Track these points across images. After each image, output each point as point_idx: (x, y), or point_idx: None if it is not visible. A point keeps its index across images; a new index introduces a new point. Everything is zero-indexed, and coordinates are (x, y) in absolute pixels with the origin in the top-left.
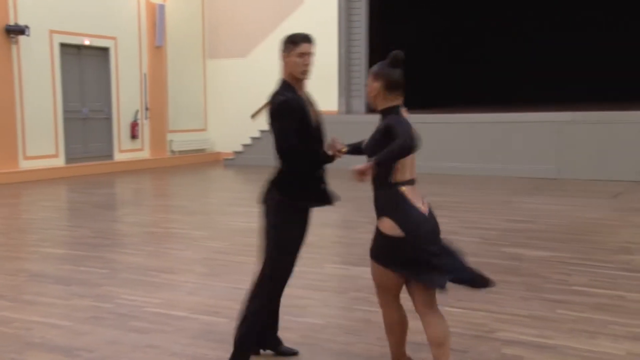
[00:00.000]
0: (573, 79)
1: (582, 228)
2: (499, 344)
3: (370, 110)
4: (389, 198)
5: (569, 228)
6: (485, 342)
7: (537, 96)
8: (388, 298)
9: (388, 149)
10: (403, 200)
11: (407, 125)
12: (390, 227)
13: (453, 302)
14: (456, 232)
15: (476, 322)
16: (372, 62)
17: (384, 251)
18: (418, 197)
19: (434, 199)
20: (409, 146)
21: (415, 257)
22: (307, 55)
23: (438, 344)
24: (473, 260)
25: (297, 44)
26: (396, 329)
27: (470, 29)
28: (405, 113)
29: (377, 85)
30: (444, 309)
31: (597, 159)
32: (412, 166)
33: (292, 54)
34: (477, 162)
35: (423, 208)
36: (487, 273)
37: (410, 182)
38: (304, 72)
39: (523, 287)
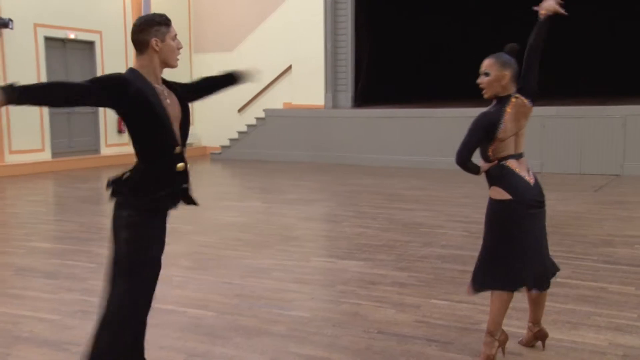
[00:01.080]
0: (557, 75)
1: (565, 221)
2: (482, 336)
3: (357, 104)
4: (495, 171)
5: (552, 221)
6: (470, 333)
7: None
8: None
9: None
10: (508, 171)
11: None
12: (498, 192)
13: (439, 294)
14: (442, 225)
15: (461, 315)
16: (358, 57)
17: (495, 217)
18: (524, 168)
19: (419, 193)
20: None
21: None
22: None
23: None
24: (459, 253)
25: (169, 26)
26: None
27: (456, 26)
28: (515, 101)
29: (507, 73)
30: (429, 302)
31: (580, 154)
32: (517, 143)
33: (169, 36)
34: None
35: (528, 178)
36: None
37: (515, 156)
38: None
39: None
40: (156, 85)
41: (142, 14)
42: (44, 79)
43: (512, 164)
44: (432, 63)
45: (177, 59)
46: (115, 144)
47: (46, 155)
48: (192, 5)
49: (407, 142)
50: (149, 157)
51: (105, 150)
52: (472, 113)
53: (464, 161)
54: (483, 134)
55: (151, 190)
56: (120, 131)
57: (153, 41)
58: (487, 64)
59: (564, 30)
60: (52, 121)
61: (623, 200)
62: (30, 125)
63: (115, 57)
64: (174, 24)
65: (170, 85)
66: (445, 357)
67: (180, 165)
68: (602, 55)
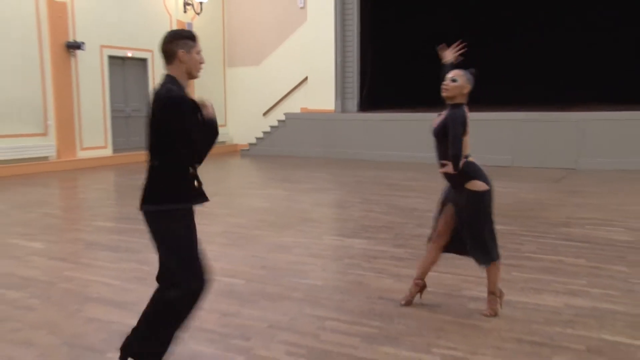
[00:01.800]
0: (526, 83)
1: (531, 206)
2: (465, 300)
3: (362, 109)
4: (470, 167)
5: (521, 206)
6: (454, 299)
7: (497, 98)
8: (441, 243)
9: (454, 147)
10: (477, 166)
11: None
12: (479, 185)
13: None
14: (430, 210)
15: (447, 283)
16: (362, 69)
17: (481, 205)
18: None
19: (414, 183)
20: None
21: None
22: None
23: None
24: None
25: (195, 41)
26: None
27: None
28: (467, 108)
29: (468, 86)
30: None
31: (543, 151)
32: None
33: (194, 50)
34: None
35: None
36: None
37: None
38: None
39: None
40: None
41: None
42: (107, 89)
43: (474, 160)
44: (426, 73)
45: (200, 72)
46: None
47: (108, 152)
48: (225, 27)
49: (404, 140)
50: (189, 162)
51: None
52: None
53: (461, 152)
54: (462, 129)
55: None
56: None
57: (180, 52)
58: (456, 73)
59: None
60: (113, 123)
61: (577, 190)
62: (96, 127)
63: (164, 71)
64: (211, 43)
65: None
66: (434, 317)
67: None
68: (562, 70)
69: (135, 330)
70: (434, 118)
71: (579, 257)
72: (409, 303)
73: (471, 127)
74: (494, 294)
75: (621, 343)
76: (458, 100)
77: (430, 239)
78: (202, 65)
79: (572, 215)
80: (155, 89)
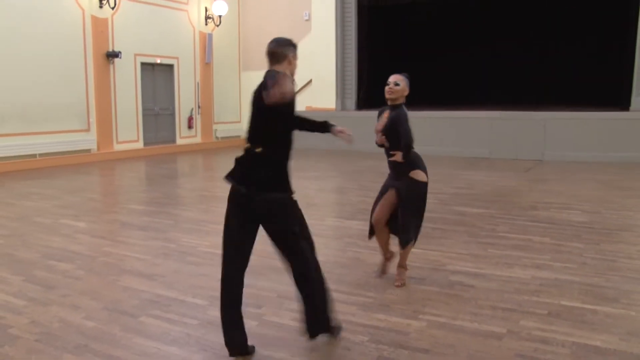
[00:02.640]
0: (501, 86)
1: (505, 192)
2: (447, 274)
3: (359, 107)
4: (414, 158)
5: (497, 192)
6: (437, 272)
7: (476, 98)
8: (380, 225)
9: (406, 138)
10: (420, 157)
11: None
12: (421, 175)
13: (416, 245)
14: None
15: (432, 259)
16: (359, 73)
17: (423, 194)
18: None
19: None
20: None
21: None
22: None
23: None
24: (432, 216)
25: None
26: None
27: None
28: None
29: (408, 89)
30: (411, 250)
31: (515, 144)
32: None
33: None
34: (433, 146)
35: None
36: (441, 225)
37: None
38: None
39: (465, 234)
40: None
41: (207, 44)
42: (140, 93)
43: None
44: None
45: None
46: (186, 136)
47: (139, 145)
48: (241, 37)
49: None
50: (288, 151)
51: (179, 141)
52: (441, 115)
53: (412, 143)
54: (408, 124)
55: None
56: (189, 127)
57: (291, 56)
58: (398, 77)
59: (505, 57)
60: (144, 120)
61: (544, 178)
62: (130, 124)
63: (188, 75)
64: (228, 50)
65: None
66: (420, 289)
67: None
68: (530, 75)
69: (310, 309)
70: (378, 121)
71: (545, 236)
72: (384, 272)
73: (455, 124)
74: (403, 267)
75: (576, 307)
76: (399, 102)
77: (371, 223)
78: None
79: (539, 200)
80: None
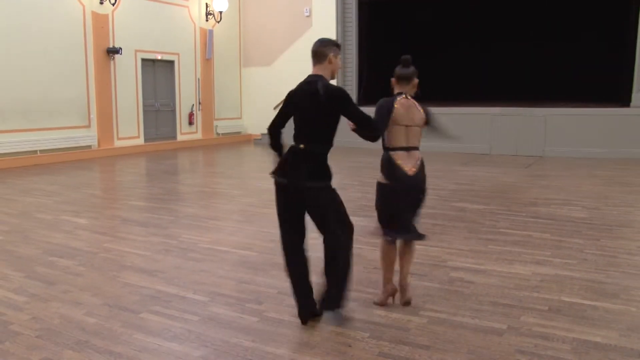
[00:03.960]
0: (502, 82)
1: (505, 188)
2: (448, 270)
3: (360, 103)
4: (383, 158)
5: (497, 188)
6: (438, 268)
7: (478, 95)
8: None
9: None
10: (390, 161)
11: (384, 109)
12: (381, 177)
13: (417, 241)
14: None
15: (432, 255)
16: (360, 70)
17: (376, 195)
18: (407, 162)
19: None
20: (376, 127)
21: (389, 204)
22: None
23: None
24: (433, 212)
25: (340, 50)
26: (386, 257)
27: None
28: (404, 99)
29: (393, 79)
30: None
31: (516, 140)
32: (406, 137)
33: (339, 57)
34: (434, 142)
35: (409, 171)
36: (441, 221)
37: (404, 149)
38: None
39: (466, 230)
40: None
41: (207, 40)
42: (140, 89)
43: (397, 155)
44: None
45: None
46: (187, 132)
47: (140, 141)
48: (241, 33)
49: None
50: (328, 148)
51: (180, 137)
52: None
53: (383, 131)
54: (385, 111)
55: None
56: (190, 123)
57: (331, 55)
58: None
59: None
60: (144, 116)
61: (544, 174)
62: (130, 120)
63: (188, 71)
64: (229, 46)
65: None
66: (421, 285)
67: None
68: (532, 72)
69: (330, 285)
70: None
71: (545, 232)
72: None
73: (456, 120)
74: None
75: (576, 303)
76: (396, 92)
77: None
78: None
79: (539, 196)
80: (311, 86)
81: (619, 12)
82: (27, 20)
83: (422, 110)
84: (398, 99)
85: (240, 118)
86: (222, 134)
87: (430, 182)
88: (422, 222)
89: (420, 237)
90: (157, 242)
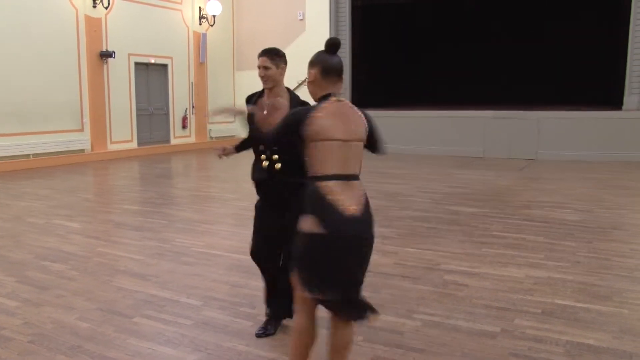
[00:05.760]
0: (495, 85)
1: (498, 191)
2: (442, 273)
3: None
4: (308, 193)
5: (490, 191)
6: (432, 272)
7: (471, 98)
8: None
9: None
10: (321, 197)
11: (282, 121)
12: (307, 223)
13: (411, 244)
14: (413, 194)
15: (426, 258)
16: (353, 72)
17: (300, 250)
18: (347, 197)
19: (398, 172)
20: (267, 139)
21: (321, 264)
22: (261, 67)
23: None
24: (426, 215)
25: (258, 57)
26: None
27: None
28: (335, 102)
29: (313, 72)
30: (404, 250)
31: (509, 144)
32: (343, 158)
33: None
34: (428, 145)
35: (351, 210)
36: (435, 224)
37: (340, 177)
38: (262, 82)
39: (460, 233)
40: None
41: (201, 44)
42: (133, 93)
43: (329, 187)
44: (409, 76)
45: (264, 83)
46: (180, 136)
47: (134, 144)
48: (235, 36)
49: (390, 134)
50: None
51: (173, 141)
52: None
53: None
54: (288, 123)
55: None
56: (184, 127)
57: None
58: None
59: (499, 57)
60: (137, 120)
61: (537, 177)
62: (124, 124)
63: (182, 75)
64: (222, 50)
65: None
66: (415, 288)
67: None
68: (524, 75)
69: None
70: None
71: (538, 234)
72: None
73: (449, 124)
74: None
75: (569, 306)
76: (321, 94)
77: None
78: (262, 78)
79: (533, 199)
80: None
81: (611, 14)
82: (19, 24)
83: (364, 118)
84: (323, 105)
85: (233, 122)
86: (215, 137)
87: (424, 185)
88: (417, 225)
89: (372, 312)
90: (151, 246)
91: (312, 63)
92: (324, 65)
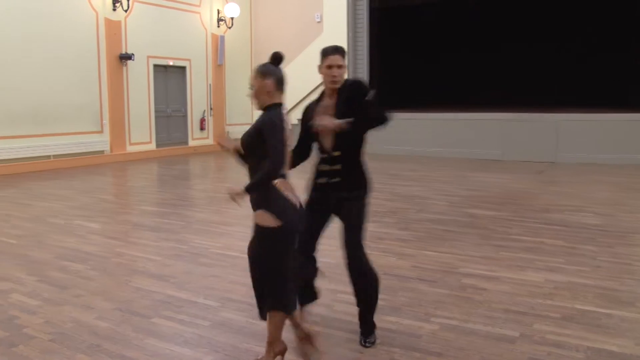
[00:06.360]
0: (514, 87)
1: (517, 195)
2: (460, 276)
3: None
4: (263, 192)
5: (508, 195)
6: (450, 275)
7: (490, 100)
8: None
9: (258, 178)
10: (275, 191)
11: (280, 132)
12: (265, 218)
13: (428, 247)
14: (430, 197)
15: (444, 262)
16: (371, 74)
17: (262, 250)
18: (291, 191)
19: (414, 174)
20: (275, 172)
21: (286, 257)
22: (334, 67)
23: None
24: (444, 218)
25: (325, 56)
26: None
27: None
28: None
29: (269, 82)
30: (422, 252)
31: (529, 146)
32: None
33: (322, 65)
34: (445, 147)
35: (294, 199)
36: (453, 227)
37: (282, 175)
38: (332, 82)
39: (477, 237)
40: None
41: (219, 46)
42: (152, 95)
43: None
44: (428, 75)
45: (332, 84)
46: (198, 137)
47: (152, 146)
48: (253, 38)
49: (406, 137)
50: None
51: (191, 142)
52: (453, 117)
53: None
54: (283, 136)
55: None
56: (202, 128)
57: (318, 65)
58: (252, 76)
59: (517, 60)
60: (156, 122)
61: (557, 180)
62: (143, 125)
63: (200, 77)
64: (240, 52)
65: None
66: (432, 291)
67: None
68: (544, 77)
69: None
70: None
71: (557, 238)
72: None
73: (467, 126)
74: (270, 345)
75: (590, 311)
76: (272, 102)
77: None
78: (335, 78)
79: (552, 202)
80: None
81: (633, 18)
82: (40, 28)
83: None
84: (283, 112)
85: (251, 123)
86: (233, 139)
87: (441, 188)
88: (434, 228)
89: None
90: (169, 247)
91: (265, 73)
92: (278, 77)
